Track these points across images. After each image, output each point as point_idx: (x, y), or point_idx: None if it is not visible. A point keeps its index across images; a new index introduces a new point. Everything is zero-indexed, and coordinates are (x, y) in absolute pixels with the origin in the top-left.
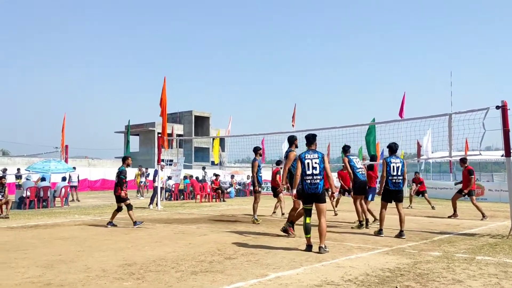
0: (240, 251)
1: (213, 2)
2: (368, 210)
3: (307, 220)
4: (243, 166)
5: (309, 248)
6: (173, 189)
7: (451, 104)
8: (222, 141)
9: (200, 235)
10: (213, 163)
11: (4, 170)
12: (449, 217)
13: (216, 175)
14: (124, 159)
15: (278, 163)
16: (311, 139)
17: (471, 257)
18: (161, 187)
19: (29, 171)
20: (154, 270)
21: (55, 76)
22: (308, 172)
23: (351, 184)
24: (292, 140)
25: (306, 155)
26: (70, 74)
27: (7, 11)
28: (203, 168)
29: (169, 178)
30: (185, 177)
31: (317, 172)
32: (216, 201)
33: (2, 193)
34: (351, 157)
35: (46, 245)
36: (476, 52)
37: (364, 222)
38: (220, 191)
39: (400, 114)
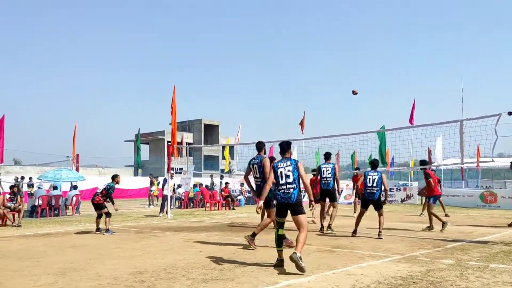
0: (251, 259)
1: (222, 10)
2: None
3: (279, 232)
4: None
5: (280, 262)
6: (183, 197)
7: (462, 110)
8: (231, 149)
9: (210, 243)
10: (222, 171)
11: (21, 178)
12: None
13: (226, 183)
14: (114, 177)
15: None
16: (284, 147)
17: (485, 265)
18: (171, 196)
19: (41, 179)
20: (165, 278)
21: (66, 85)
22: (281, 182)
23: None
24: (260, 147)
25: (279, 164)
26: (80, 83)
27: (16, 21)
28: (211, 176)
29: (179, 186)
30: (195, 185)
31: (290, 180)
32: (226, 209)
33: (14, 201)
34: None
35: (57, 253)
36: (487, 58)
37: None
38: (230, 199)
39: (410, 121)
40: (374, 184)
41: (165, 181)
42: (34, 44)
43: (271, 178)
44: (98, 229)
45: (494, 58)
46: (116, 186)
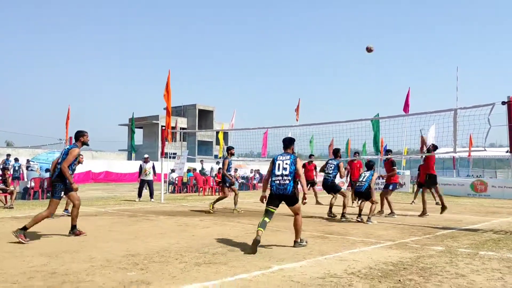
0: (243, 243)
1: None
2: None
3: (266, 219)
4: (246, 160)
5: (256, 242)
6: (176, 182)
7: (456, 99)
8: (225, 135)
9: (203, 227)
10: (216, 156)
11: (7, 156)
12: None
13: (220, 169)
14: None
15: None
16: (286, 143)
17: (474, 252)
18: (165, 180)
19: (34, 162)
20: (158, 261)
21: (60, 68)
22: (277, 173)
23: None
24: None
25: (279, 156)
26: (74, 66)
27: (10, 4)
28: (201, 161)
29: (173, 171)
30: (188, 170)
31: (287, 173)
32: (219, 194)
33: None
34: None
35: (50, 235)
36: (483, 47)
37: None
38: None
39: (405, 109)
40: (364, 179)
41: (140, 167)
42: (28, 27)
43: (269, 171)
44: (66, 210)
45: (490, 47)
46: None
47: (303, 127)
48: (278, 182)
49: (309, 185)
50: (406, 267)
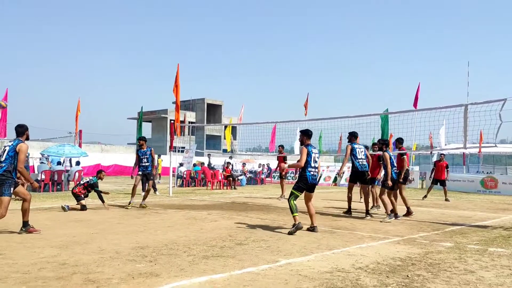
0: (251, 237)
1: None
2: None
3: (296, 202)
4: (254, 154)
5: (299, 225)
6: (184, 175)
7: (467, 94)
8: (233, 129)
9: (211, 221)
10: (224, 151)
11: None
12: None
13: (228, 163)
14: (99, 173)
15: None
16: (310, 134)
17: (484, 248)
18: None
19: (44, 154)
20: (166, 253)
21: (70, 61)
22: (313, 165)
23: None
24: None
25: (312, 149)
26: (84, 60)
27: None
28: (208, 155)
29: (181, 165)
30: (194, 165)
31: (317, 165)
32: (227, 189)
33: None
34: (356, 146)
35: (60, 227)
36: (495, 42)
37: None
38: (231, 178)
39: (415, 105)
40: (363, 156)
41: None
42: (39, 20)
43: (303, 160)
44: (67, 206)
45: (502, 42)
46: (100, 181)
47: (311, 122)
48: (312, 173)
49: None
50: (415, 263)
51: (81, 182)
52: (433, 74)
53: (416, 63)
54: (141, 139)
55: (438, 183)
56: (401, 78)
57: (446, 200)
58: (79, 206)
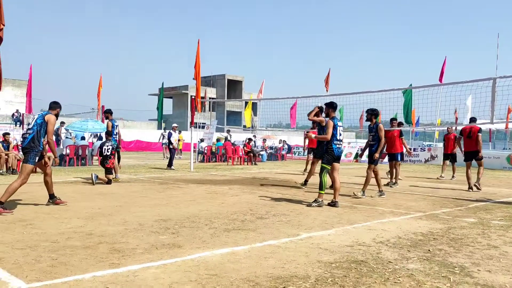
0: (272, 211)
1: None
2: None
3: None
4: (275, 130)
5: (321, 203)
6: (205, 151)
7: (496, 68)
8: (254, 105)
9: (232, 195)
10: (245, 127)
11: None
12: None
13: (249, 139)
14: (109, 134)
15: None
16: (335, 106)
17: (508, 224)
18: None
19: (68, 130)
20: (188, 226)
21: (93, 38)
22: (339, 138)
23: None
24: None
25: (338, 122)
26: (106, 36)
27: None
28: (228, 131)
29: (202, 140)
30: (217, 140)
31: (342, 138)
32: (248, 165)
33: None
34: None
35: (86, 200)
36: None
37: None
38: (252, 154)
39: (440, 79)
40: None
41: (169, 135)
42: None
43: (330, 133)
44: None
45: None
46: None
47: (333, 98)
48: (338, 145)
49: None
50: (436, 238)
51: (108, 154)
52: (460, 48)
53: (443, 36)
54: (108, 112)
55: (450, 158)
56: (426, 53)
57: (453, 177)
58: (105, 179)
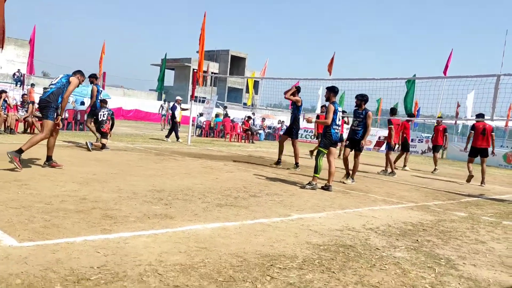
0: (265, 191)
1: None
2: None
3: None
4: (275, 110)
5: (315, 186)
6: (203, 125)
7: (501, 65)
8: (256, 84)
9: (227, 171)
10: (245, 104)
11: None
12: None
13: (248, 117)
14: (104, 102)
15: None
16: (336, 91)
17: (498, 221)
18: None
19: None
20: (182, 198)
21: (97, 4)
22: (338, 123)
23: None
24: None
25: (338, 107)
26: (111, 3)
27: None
28: (225, 107)
29: (201, 114)
30: (217, 115)
31: (340, 123)
32: (245, 142)
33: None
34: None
35: (82, 164)
36: None
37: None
38: (250, 132)
39: (445, 72)
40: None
41: (174, 107)
42: None
43: (330, 118)
44: (90, 143)
45: None
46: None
47: (335, 82)
48: (336, 131)
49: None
50: (426, 229)
51: (104, 119)
52: (467, 43)
53: (450, 30)
54: (92, 76)
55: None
56: (431, 45)
57: (435, 170)
58: (100, 144)
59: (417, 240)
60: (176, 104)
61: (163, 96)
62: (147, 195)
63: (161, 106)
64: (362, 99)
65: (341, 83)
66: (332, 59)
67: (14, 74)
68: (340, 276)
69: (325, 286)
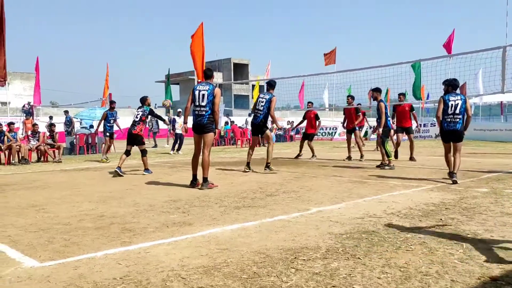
0: (282, 189)
1: None
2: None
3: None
4: (283, 111)
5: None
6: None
7: (506, 36)
8: (261, 88)
9: (241, 175)
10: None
11: (50, 118)
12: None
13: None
14: (144, 100)
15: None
16: (273, 85)
17: None
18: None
19: (77, 118)
20: (199, 205)
21: (97, 28)
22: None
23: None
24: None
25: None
26: (112, 26)
27: None
28: (227, 115)
29: None
30: (226, 123)
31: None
32: (257, 146)
33: (37, 138)
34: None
35: (97, 184)
36: None
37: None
38: (260, 135)
39: (449, 51)
40: (457, 111)
41: (174, 120)
42: None
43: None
44: (119, 168)
45: None
46: (147, 126)
47: (340, 76)
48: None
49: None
50: (448, 207)
51: (136, 120)
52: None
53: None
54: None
55: (404, 132)
56: (434, 27)
57: (411, 159)
58: (125, 159)
59: (441, 219)
60: (176, 116)
61: (171, 111)
62: (163, 206)
63: (174, 119)
64: (375, 90)
65: (347, 78)
66: (334, 51)
67: (24, 105)
68: (366, 261)
69: (351, 272)
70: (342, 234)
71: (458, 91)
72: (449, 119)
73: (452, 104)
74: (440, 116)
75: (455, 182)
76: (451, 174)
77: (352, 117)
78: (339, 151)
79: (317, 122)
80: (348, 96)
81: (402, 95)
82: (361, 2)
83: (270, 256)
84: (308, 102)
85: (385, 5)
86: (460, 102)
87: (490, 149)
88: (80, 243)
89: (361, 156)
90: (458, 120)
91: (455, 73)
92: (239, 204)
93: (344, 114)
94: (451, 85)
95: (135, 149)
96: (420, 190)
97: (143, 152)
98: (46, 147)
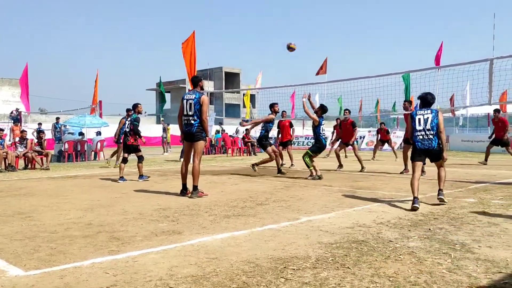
0: (272, 198)
1: None
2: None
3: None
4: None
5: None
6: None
7: (493, 48)
8: (252, 97)
9: (232, 184)
10: (244, 118)
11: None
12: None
13: (247, 129)
14: (135, 107)
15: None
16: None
17: (508, 203)
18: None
19: (66, 125)
20: (188, 214)
21: (88, 33)
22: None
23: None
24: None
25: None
26: (102, 33)
27: None
28: (220, 123)
29: None
30: (217, 132)
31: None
32: (247, 155)
33: (25, 145)
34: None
35: (85, 192)
36: None
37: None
38: (250, 144)
39: (437, 63)
40: (428, 126)
41: (164, 129)
42: None
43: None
44: (121, 178)
45: None
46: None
47: (331, 86)
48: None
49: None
50: (437, 217)
51: (127, 130)
52: (456, 33)
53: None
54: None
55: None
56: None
57: (362, 168)
58: (141, 167)
59: (430, 229)
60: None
61: (162, 119)
62: (153, 214)
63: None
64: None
65: (338, 88)
66: (325, 63)
67: (12, 112)
68: (355, 270)
69: (341, 282)
70: (331, 244)
71: (434, 107)
72: (420, 136)
73: (419, 119)
74: (409, 136)
75: (442, 201)
76: (414, 200)
77: (349, 131)
78: (330, 161)
79: (291, 130)
80: (405, 101)
81: (347, 110)
82: (354, 15)
83: (259, 266)
84: (283, 111)
85: (382, 11)
86: (430, 116)
87: (477, 160)
88: (67, 251)
89: (362, 168)
90: (431, 136)
91: (443, 85)
92: (229, 213)
93: (340, 128)
94: (421, 99)
95: (129, 157)
96: (409, 201)
97: (140, 159)
98: (34, 154)
